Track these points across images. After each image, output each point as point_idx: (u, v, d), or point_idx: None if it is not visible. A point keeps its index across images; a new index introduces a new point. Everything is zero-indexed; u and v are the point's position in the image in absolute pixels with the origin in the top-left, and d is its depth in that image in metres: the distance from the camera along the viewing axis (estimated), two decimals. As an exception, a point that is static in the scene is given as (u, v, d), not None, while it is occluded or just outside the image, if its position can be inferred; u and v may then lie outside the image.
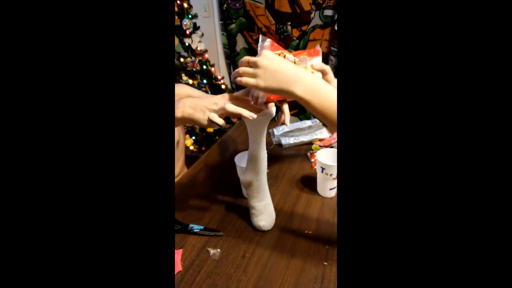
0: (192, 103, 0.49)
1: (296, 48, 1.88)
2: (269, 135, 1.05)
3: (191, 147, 1.76)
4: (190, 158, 1.09)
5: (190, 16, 1.57)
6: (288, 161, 0.88)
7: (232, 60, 2.06)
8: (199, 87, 1.71)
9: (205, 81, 1.70)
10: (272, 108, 0.52)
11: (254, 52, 2.01)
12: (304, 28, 1.82)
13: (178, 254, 0.55)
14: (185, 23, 1.54)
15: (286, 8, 1.79)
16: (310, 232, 0.60)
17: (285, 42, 1.90)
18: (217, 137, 1.79)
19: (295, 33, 1.85)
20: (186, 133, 1.77)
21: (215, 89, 1.79)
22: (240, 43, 2.01)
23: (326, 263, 0.52)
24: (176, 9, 1.50)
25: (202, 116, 0.48)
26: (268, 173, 0.81)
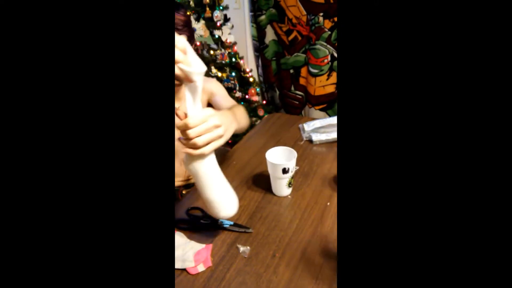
0: None
1: (328, 40, 1.81)
2: (299, 130, 1.02)
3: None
4: (217, 151, 1.09)
5: (221, 7, 1.56)
6: (319, 158, 0.84)
7: (261, 52, 2.03)
8: (227, 79, 1.71)
9: (233, 74, 1.70)
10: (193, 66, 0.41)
11: (283, 44, 1.96)
12: (336, 19, 1.74)
13: (209, 249, 0.55)
14: (216, 14, 1.53)
15: (318, -2, 1.72)
16: (344, 235, 0.57)
17: (316, 34, 1.83)
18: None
19: (327, 24, 1.78)
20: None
21: (243, 82, 1.77)
22: (270, 35, 1.97)
23: (361, 270, 0.50)
24: (207, 0, 1.49)
25: None
26: (298, 170, 0.78)
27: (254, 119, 1.88)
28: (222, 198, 0.50)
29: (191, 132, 0.43)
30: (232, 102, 0.90)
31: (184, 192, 0.89)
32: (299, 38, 1.90)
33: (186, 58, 0.40)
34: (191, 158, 0.47)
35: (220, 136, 0.47)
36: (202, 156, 0.47)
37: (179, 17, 0.72)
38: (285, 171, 0.65)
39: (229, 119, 0.55)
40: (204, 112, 0.45)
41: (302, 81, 2.01)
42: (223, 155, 0.90)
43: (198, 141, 0.44)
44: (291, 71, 2.01)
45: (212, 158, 0.49)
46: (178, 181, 0.89)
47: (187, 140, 0.44)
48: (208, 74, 1.64)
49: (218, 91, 0.88)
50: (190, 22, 0.77)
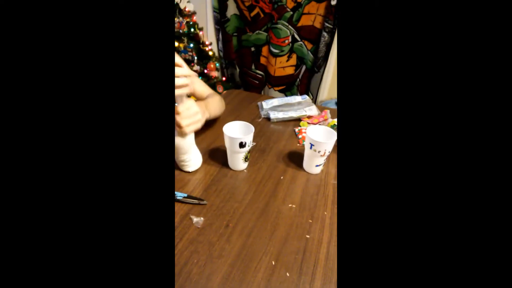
0: None
1: (289, 20, 1.81)
2: (258, 108, 1.02)
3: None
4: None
5: (180, -30, 1.44)
6: (276, 135, 0.86)
7: (222, 26, 1.95)
8: (185, 50, 1.62)
9: (191, 45, 1.61)
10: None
11: (245, 20, 1.91)
12: (299, 0, 1.74)
13: (160, 220, 0.54)
14: (174, -23, 1.41)
15: (283, -25, 1.69)
16: (294, 206, 0.60)
17: (279, 13, 1.81)
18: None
19: (290, 4, 1.77)
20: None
21: (202, 55, 1.70)
22: (231, 9, 1.90)
23: (308, 236, 0.53)
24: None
25: None
26: (255, 146, 0.79)
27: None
28: (192, 159, 0.68)
29: (180, 120, 0.60)
30: (204, 86, 0.90)
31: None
32: (262, 15, 1.87)
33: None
34: (179, 134, 0.63)
35: (199, 121, 0.64)
36: (185, 134, 0.63)
37: None
38: (242, 145, 0.65)
39: (202, 109, 0.72)
40: (188, 104, 0.62)
41: (263, 60, 2.00)
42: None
43: (184, 125, 0.61)
44: (252, 49, 1.98)
45: (191, 134, 0.66)
46: None
47: (177, 125, 0.61)
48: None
49: (176, 59, 0.83)
50: None
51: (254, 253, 0.50)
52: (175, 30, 1.55)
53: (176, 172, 0.68)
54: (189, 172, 0.68)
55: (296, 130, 0.89)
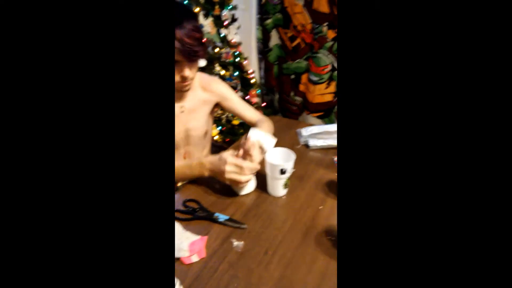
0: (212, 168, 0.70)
1: (330, 49, 1.84)
2: (297, 134, 1.04)
3: (216, 137, 1.78)
4: (215, 148, 1.10)
5: (230, 7, 1.58)
6: (314, 163, 0.87)
7: (264, 55, 2.06)
8: (230, 78, 1.73)
9: (236, 73, 1.71)
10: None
11: (286, 50, 1.99)
12: (341, 30, 1.78)
13: (203, 240, 0.56)
14: (224, 13, 1.54)
15: (324, 8, 1.76)
16: (334, 238, 0.59)
17: (320, 42, 1.86)
18: (241, 130, 1.80)
19: (330, 34, 1.82)
20: (214, 123, 1.79)
21: (245, 83, 1.79)
22: (274, 39, 2.00)
23: (349, 272, 0.52)
24: (217, -1, 1.51)
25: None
26: (293, 173, 0.80)
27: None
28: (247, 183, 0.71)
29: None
30: (253, 112, 0.96)
31: (178, 185, 0.90)
32: (302, 45, 1.94)
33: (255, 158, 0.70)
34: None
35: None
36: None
37: (195, 35, 0.66)
38: (282, 171, 0.67)
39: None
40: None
41: (301, 87, 2.04)
42: (221, 150, 0.91)
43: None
44: (292, 76, 2.04)
45: None
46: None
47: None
48: (211, 71, 1.64)
49: (231, 96, 0.93)
50: (203, 36, 0.72)
51: (293, 284, 0.49)
52: (222, 59, 1.67)
53: (218, 194, 0.71)
54: (239, 194, 0.71)
55: (335, 159, 0.88)
